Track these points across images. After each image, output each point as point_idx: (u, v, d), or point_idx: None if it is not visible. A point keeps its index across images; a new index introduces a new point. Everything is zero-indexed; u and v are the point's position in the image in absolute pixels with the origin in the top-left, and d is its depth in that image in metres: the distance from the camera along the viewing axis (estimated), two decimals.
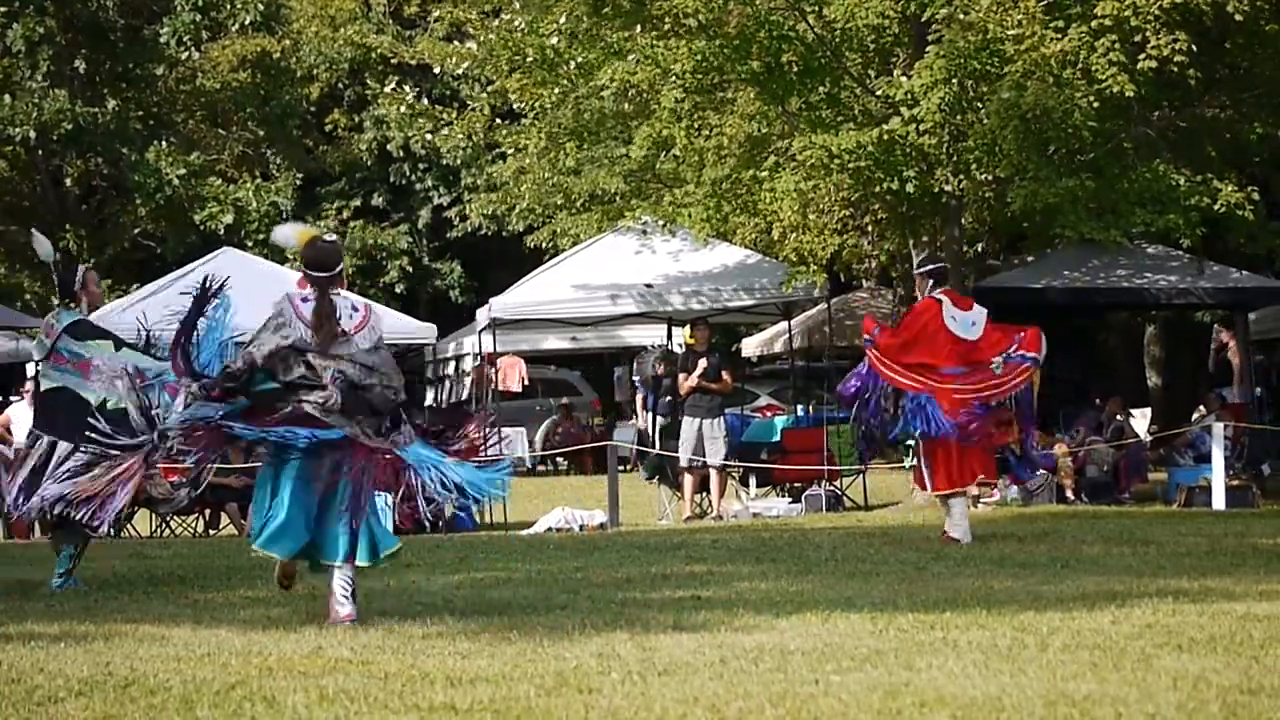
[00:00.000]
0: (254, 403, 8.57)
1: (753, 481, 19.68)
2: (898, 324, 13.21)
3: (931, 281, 13.20)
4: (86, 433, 9.97)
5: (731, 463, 18.53)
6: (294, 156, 33.43)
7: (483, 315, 20.73)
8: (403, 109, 25.27)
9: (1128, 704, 5.90)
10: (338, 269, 8.75)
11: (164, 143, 29.33)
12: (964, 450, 12.83)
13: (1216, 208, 17.77)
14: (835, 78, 17.94)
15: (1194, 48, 17.01)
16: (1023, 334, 13.05)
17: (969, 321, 13.03)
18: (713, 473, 17.92)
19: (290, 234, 9.16)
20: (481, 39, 20.32)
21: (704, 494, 18.29)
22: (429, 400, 30.59)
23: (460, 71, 23.66)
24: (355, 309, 8.74)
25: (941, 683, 6.34)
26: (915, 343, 12.97)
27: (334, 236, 9.45)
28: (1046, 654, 7.03)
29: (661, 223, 19.81)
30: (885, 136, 17.00)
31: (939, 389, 12.73)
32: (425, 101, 24.86)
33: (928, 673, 6.58)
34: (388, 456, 8.63)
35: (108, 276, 32.44)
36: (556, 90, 19.47)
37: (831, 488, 19.08)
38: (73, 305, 10.78)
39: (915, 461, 13.48)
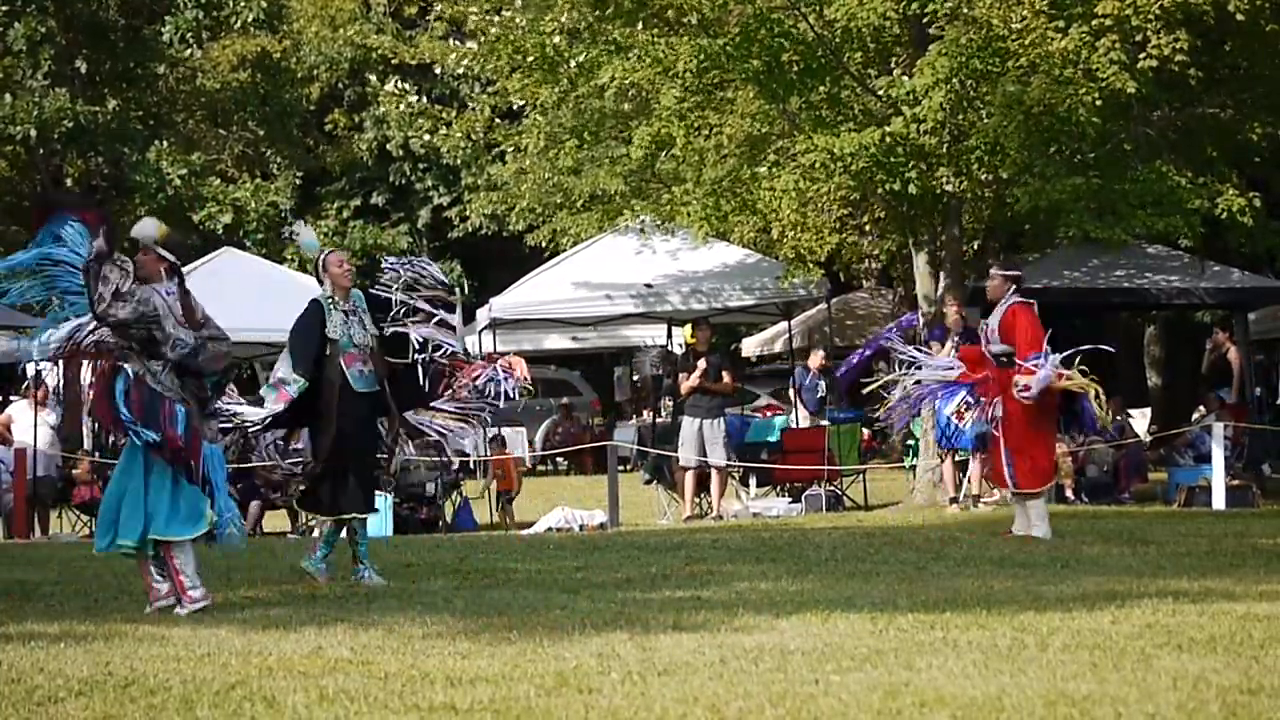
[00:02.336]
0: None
1: (753, 481, 19.68)
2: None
3: (1013, 286, 13.20)
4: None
5: (731, 463, 18.53)
6: (294, 156, 33.42)
7: (483, 315, 20.73)
8: (402, 107, 25.26)
9: (1128, 704, 5.90)
10: None
11: (164, 142, 29.32)
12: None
13: (1218, 212, 17.79)
14: (835, 77, 17.94)
15: (1196, 45, 17.01)
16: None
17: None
18: (713, 473, 17.91)
19: (152, 228, 9.45)
20: (482, 38, 20.33)
21: (704, 494, 18.29)
22: None
23: (460, 70, 23.65)
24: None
25: (941, 683, 6.34)
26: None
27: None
28: (1046, 654, 7.03)
29: (660, 223, 19.81)
30: (887, 138, 16.99)
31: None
32: (425, 100, 24.84)
33: (928, 673, 6.57)
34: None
35: None
36: (556, 90, 19.48)
37: (831, 488, 19.08)
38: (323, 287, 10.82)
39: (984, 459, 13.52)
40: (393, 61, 29.43)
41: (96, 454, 21.07)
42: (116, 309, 8.97)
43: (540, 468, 28.22)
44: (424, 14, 30.67)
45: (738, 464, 18.92)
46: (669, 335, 22.30)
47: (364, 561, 10.62)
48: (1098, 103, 16.83)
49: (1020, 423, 12.88)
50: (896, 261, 23.97)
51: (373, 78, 31.34)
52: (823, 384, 20.99)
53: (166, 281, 9.24)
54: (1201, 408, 21.55)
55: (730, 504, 18.28)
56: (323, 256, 10.83)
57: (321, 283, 10.78)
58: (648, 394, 22.93)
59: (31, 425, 19.71)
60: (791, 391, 20.60)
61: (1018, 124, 16.90)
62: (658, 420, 22.17)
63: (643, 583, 10.26)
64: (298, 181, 33.03)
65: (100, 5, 29.41)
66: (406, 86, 25.24)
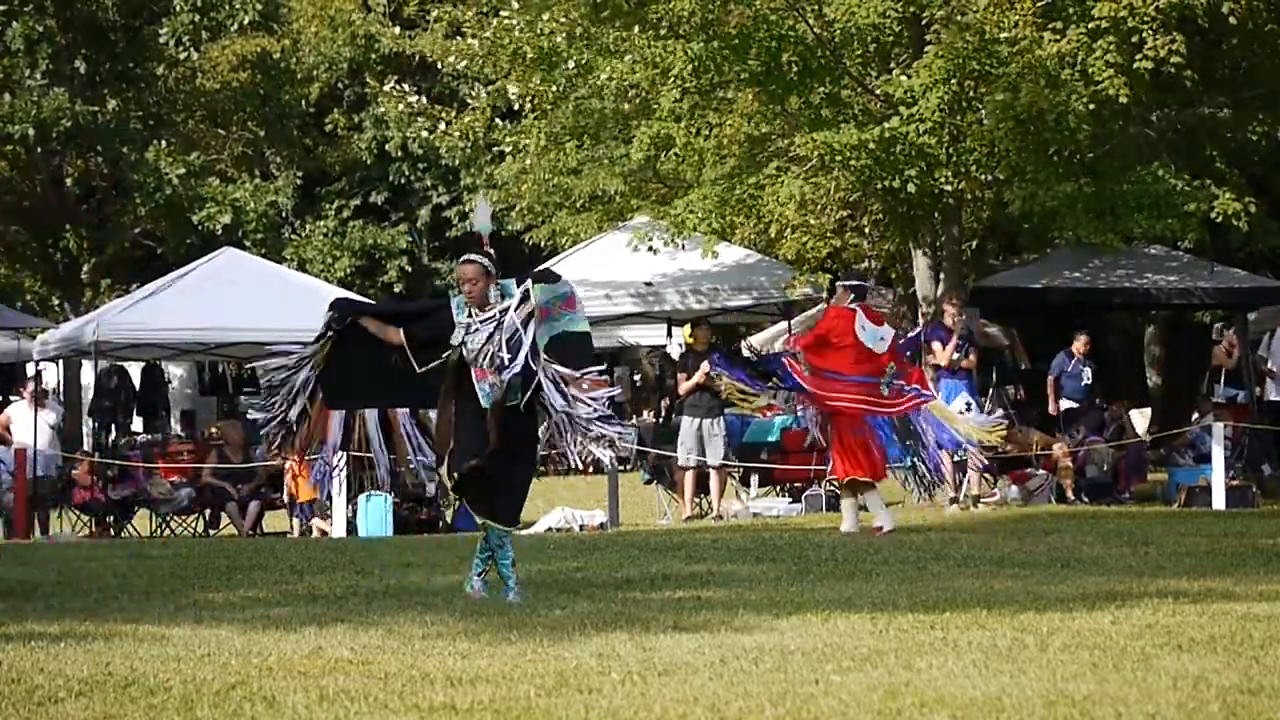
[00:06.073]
0: None
1: (753, 481, 19.66)
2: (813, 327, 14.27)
3: (853, 295, 14.02)
4: None
5: (731, 463, 18.52)
6: (294, 156, 33.41)
7: None
8: (401, 108, 25.24)
9: (1128, 704, 5.89)
10: None
11: (164, 142, 29.32)
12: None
13: (1214, 215, 17.79)
14: (835, 77, 17.94)
15: (1191, 48, 17.01)
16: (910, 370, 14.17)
17: (878, 336, 13.91)
18: (712, 473, 17.90)
19: None
20: (480, 39, 20.31)
21: (704, 494, 18.28)
22: None
23: (461, 68, 23.64)
24: None
25: (941, 683, 6.34)
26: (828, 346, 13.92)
27: None
28: (1046, 654, 7.02)
29: (667, 231, 19.78)
30: (886, 135, 17.00)
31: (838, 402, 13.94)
32: (424, 100, 24.80)
33: (928, 673, 6.57)
34: None
35: (107, 276, 32.44)
36: (555, 89, 19.47)
37: (832, 488, 19.05)
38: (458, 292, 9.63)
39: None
40: (392, 54, 29.43)
41: (96, 454, 21.10)
42: None
43: (540, 468, 28.15)
44: (423, 15, 30.65)
45: (737, 464, 18.91)
46: (669, 335, 22.28)
47: (508, 581, 9.52)
48: (1090, 107, 16.84)
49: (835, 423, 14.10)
50: (896, 261, 23.96)
51: (371, 80, 31.31)
52: (1087, 370, 19.64)
53: None
54: (1197, 413, 21.56)
55: (730, 504, 18.28)
56: (458, 264, 9.64)
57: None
58: (650, 394, 22.88)
59: (31, 425, 19.73)
60: (1049, 381, 19.85)
61: (1009, 129, 16.92)
62: (657, 420, 22.14)
63: (643, 583, 10.26)
64: (298, 181, 33.00)
65: (99, 5, 29.40)
66: (406, 87, 25.21)
